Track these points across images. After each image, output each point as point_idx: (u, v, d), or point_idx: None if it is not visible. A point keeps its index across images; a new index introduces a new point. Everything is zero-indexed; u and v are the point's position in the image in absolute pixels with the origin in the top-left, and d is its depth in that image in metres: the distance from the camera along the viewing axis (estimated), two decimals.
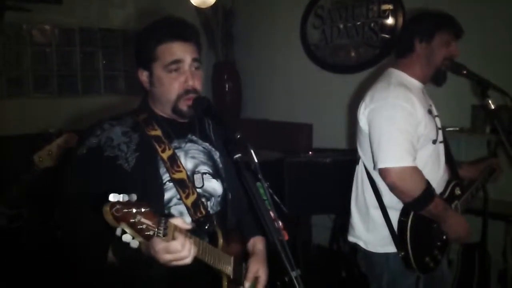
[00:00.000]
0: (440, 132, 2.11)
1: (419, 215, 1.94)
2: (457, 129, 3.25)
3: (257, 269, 1.56)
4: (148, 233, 1.06)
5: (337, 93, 4.11)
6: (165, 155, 1.45)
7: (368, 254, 2.08)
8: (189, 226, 1.21)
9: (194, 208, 1.46)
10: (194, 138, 1.57)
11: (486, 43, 3.16)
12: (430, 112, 2.03)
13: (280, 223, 1.27)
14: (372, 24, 3.91)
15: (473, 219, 2.72)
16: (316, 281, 3.52)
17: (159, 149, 1.45)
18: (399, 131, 1.88)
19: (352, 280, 3.52)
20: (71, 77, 4.40)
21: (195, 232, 1.34)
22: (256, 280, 1.55)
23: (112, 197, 1.03)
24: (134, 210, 1.04)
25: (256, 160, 1.27)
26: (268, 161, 3.46)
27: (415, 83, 2.05)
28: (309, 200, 3.25)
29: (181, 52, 1.46)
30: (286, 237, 1.26)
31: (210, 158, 1.58)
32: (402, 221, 1.95)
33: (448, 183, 2.13)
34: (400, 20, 3.73)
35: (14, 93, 4.02)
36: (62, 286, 2.70)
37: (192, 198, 1.47)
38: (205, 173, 1.54)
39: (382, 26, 3.86)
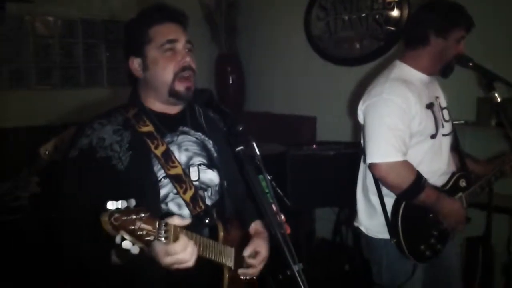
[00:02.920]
0: (448, 124, 2.10)
1: (412, 204, 1.98)
2: (462, 122, 3.21)
3: (258, 244, 1.54)
4: (149, 238, 1.05)
5: (341, 86, 4.08)
6: (158, 152, 1.42)
7: (369, 239, 2.15)
8: (188, 221, 1.20)
9: (193, 203, 1.44)
10: (185, 129, 1.54)
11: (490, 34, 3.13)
12: (430, 106, 2.02)
13: (283, 217, 1.26)
14: (377, 16, 3.87)
15: (478, 212, 2.70)
16: (319, 273, 3.52)
17: (152, 146, 1.42)
18: (388, 128, 1.92)
19: (355, 272, 3.52)
20: (74, 69, 4.38)
21: (195, 226, 1.33)
22: (256, 254, 1.53)
23: (110, 205, 1.00)
24: (133, 217, 1.01)
25: (258, 153, 1.25)
26: (271, 154, 3.45)
27: (419, 76, 2.03)
28: (312, 193, 3.25)
29: (174, 32, 1.46)
30: (289, 231, 1.25)
31: (203, 148, 1.55)
32: (394, 209, 2.01)
33: (452, 175, 2.13)
34: (406, 12, 3.68)
35: (16, 85, 4.00)
36: (62, 280, 2.70)
37: (190, 193, 1.45)
38: (200, 164, 1.51)
39: (387, 18, 3.81)
